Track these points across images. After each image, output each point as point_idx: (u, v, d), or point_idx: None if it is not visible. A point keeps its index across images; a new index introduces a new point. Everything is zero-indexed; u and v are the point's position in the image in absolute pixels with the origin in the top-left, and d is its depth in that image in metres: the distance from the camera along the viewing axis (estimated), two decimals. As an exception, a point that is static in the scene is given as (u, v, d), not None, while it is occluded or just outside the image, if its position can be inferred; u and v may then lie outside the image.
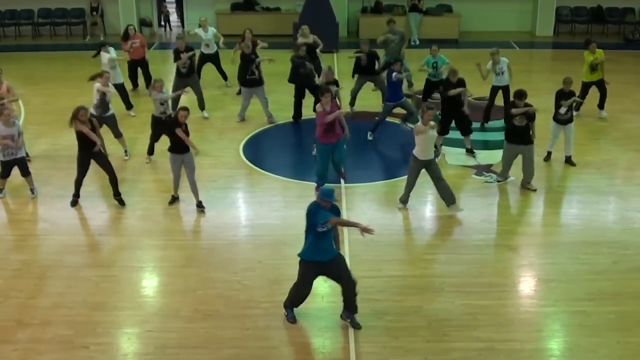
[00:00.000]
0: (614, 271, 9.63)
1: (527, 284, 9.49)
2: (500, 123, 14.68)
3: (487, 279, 9.46)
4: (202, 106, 15.38)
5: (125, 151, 13.22)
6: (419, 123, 10.83)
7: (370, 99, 16.24)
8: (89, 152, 11.06)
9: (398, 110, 14.11)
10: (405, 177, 11.37)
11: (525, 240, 10.58)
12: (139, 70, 16.93)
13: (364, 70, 15.38)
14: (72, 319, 8.59)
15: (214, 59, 17.42)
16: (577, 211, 11.51)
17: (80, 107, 10.96)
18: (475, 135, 12.63)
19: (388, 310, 8.74)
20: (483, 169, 12.89)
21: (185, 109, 10.98)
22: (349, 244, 10.24)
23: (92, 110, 12.42)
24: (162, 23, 25.60)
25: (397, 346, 8.09)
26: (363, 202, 11.68)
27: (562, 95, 12.65)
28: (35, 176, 11.85)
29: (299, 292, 8.34)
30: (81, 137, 10.96)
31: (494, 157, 13.35)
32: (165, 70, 18.57)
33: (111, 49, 15.42)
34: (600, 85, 14.89)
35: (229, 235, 10.65)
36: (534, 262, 9.97)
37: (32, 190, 11.62)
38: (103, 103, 12.69)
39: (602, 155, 13.56)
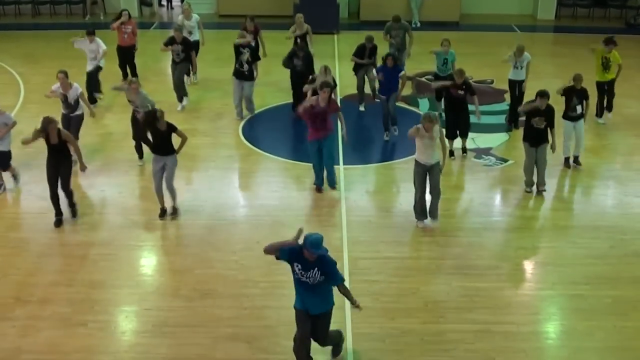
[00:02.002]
0: (612, 256, 9.66)
1: (524, 267, 9.52)
2: (500, 106, 14.65)
3: (484, 261, 9.48)
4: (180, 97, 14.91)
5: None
6: (415, 127, 9.92)
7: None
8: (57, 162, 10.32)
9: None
10: (403, 159, 11.32)
11: (523, 223, 10.59)
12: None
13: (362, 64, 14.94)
14: (70, 297, 8.63)
15: (195, 48, 16.23)
16: (576, 196, 11.53)
17: (50, 120, 10.06)
18: (475, 119, 12.56)
19: (385, 291, 8.77)
20: (482, 152, 12.88)
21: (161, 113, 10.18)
22: (346, 225, 10.25)
23: (62, 110, 12.04)
24: (163, 2, 25.46)
25: (394, 327, 8.13)
26: (361, 184, 11.68)
27: (573, 93, 11.97)
28: (34, 154, 11.81)
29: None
30: (53, 148, 10.24)
31: (493, 140, 13.35)
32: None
33: (97, 39, 14.83)
34: (611, 86, 14.21)
35: (228, 215, 10.66)
36: (531, 245, 9.99)
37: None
38: (69, 105, 11.98)
39: (601, 140, 13.55)
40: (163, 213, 10.55)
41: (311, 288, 6.97)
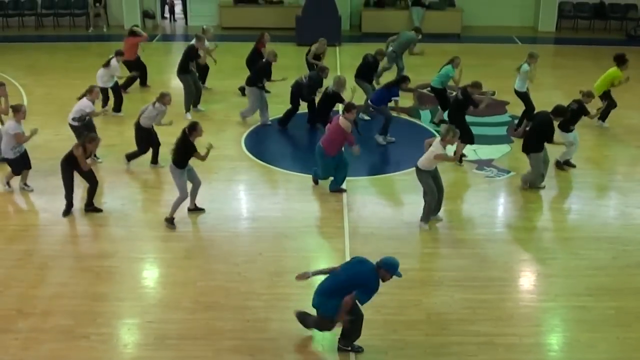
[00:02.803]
0: (614, 267, 9.65)
1: (527, 279, 9.51)
2: (502, 118, 14.68)
3: (486, 273, 9.48)
4: (187, 107, 15.10)
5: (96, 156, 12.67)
6: (440, 147, 10.17)
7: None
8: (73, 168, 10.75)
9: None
10: (406, 170, 11.33)
11: (526, 235, 10.59)
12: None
13: (365, 76, 15.18)
14: (73, 309, 8.63)
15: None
16: (578, 207, 11.52)
17: (94, 137, 10.76)
18: (475, 130, 12.60)
19: (387, 303, 8.76)
20: (484, 164, 12.89)
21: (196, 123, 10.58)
22: (349, 237, 10.26)
23: (69, 121, 12.26)
24: (166, 15, 25.57)
25: (396, 339, 8.12)
26: (364, 195, 11.69)
27: (582, 112, 12.41)
28: (37, 166, 11.86)
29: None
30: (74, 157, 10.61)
31: (495, 152, 13.37)
32: (168, 62, 18.56)
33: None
34: (608, 97, 14.24)
35: (230, 227, 10.67)
36: (534, 257, 9.99)
37: None
38: (82, 119, 12.19)
39: (602, 151, 13.56)
40: (196, 208, 11.00)
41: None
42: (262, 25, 22.06)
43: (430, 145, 10.34)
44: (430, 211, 10.57)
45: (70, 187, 10.80)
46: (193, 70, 14.99)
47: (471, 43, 21.89)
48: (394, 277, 7.46)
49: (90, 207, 10.96)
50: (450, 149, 10.82)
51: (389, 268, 7.39)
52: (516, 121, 14.42)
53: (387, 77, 15.89)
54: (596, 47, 20.91)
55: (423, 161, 10.33)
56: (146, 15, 23.89)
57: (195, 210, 10.98)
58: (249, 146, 13.64)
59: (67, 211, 10.88)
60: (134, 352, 7.99)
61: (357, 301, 7.44)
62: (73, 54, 20.09)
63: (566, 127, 12.23)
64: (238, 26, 22.11)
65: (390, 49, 16.59)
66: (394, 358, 7.85)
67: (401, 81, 13.42)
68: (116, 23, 23.08)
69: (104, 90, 14.56)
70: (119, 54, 14.67)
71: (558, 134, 11.89)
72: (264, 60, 14.76)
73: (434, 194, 10.42)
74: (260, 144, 13.83)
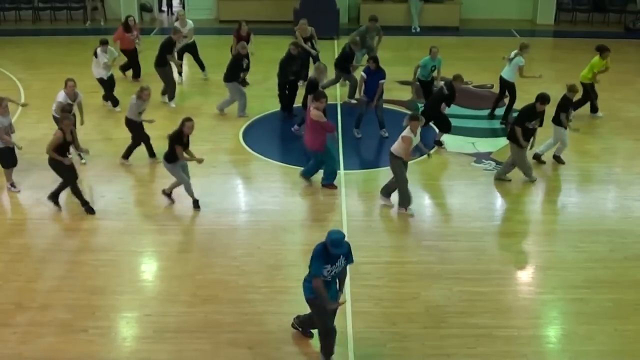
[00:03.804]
0: (612, 259, 9.66)
1: (525, 272, 9.52)
2: (499, 111, 14.65)
3: (485, 266, 9.49)
4: (171, 96, 15.31)
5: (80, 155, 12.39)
6: (409, 131, 10.37)
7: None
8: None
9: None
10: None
11: (524, 227, 10.60)
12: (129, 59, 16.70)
13: (342, 67, 15.23)
14: (71, 303, 8.63)
15: (192, 48, 17.04)
16: (576, 199, 11.52)
17: (64, 116, 10.61)
18: (475, 123, 12.60)
19: (386, 296, 8.77)
20: (482, 157, 12.89)
21: (190, 119, 10.54)
22: (347, 230, 10.26)
23: (53, 113, 12.23)
24: (163, 8, 25.51)
25: (395, 332, 8.13)
26: (361, 189, 11.68)
27: (570, 104, 12.23)
28: (34, 160, 11.85)
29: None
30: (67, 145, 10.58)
31: (493, 145, 13.37)
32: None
33: (110, 49, 14.86)
34: (593, 88, 14.37)
35: (228, 221, 10.67)
36: (532, 249, 10.00)
37: None
38: (63, 110, 11.91)
39: (601, 144, 13.56)
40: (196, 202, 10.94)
41: (333, 280, 7.25)
42: (260, 18, 22.10)
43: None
44: (407, 197, 10.66)
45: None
46: (173, 62, 15.09)
47: (470, 36, 21.86)
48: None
49: (54, 199, 10.84)
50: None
51: (329, 244, 6.98)
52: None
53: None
54: (595, 40, 20.84)
55: (395, 146, 10.51)
56: (143, 8, 23.80)
57: (168, 196, 11.01)
58: (247, 139, 13.63)
59: (85, 204, 10.78)
60: (132, 345, 7.99)
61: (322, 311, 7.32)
62: (70, 48, 20.02)
63: (558, 120, 12.19)
64: (236, 19, 21.99)
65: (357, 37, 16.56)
66: (393, 350, 7.86)
67: (369, 59, 13.38)
68: (113, 16, 22.98)
69: (101, 81, 14.56)
70: (102, 42, 14.60)
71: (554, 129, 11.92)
72: (233, 54, 14.80)
73: (404, 182, 10.58)
74: (258, 138, 13.81)
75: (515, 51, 14.08)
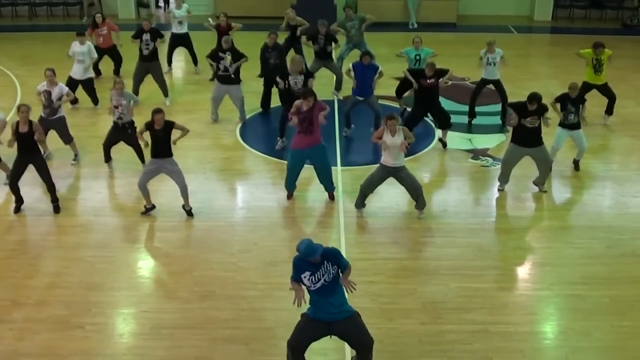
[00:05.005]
0: (609, 255, 9.67)
1: (521, 268, 9.52)
2: (497, 107, 14.64)
3: (482, 262, 9.49)
4: (165, 93, 15.11)
5: (76, 155, 12.35)
6: (380, 129, 10.08)
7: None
8: (30, 156, 10.46)
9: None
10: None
11: (521, 224, 10.61)
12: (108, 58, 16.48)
13: (319, 54, 14.96)
14: (67, 299, 8.62)
15: (185, 40, 16.90)
16: (573, 196, 11.53)
17: (20, 104, 10.36)
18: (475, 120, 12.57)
19: (383, 292, 8.78)
20: (480, 153, 12.89)
21: (160, 111, 10.12)
22: (344, 227, 10.26)
23: (41, 113, 12.00)
24: (160, 4, 25.45)
25: (392, 328, 8.13)
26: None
27: (568, 101, 11.75)
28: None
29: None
30: (22, 138, 10.32)
31: (491, 141, 13.37)
32: (161, 50, 18.41)
33: (88, 43, 14.84)
34: (605, 90, 14.12)
35: (225, 217, 10.66)
36: (528, 246, 10.01)
37: None
38: (50, 104, 11.92)
39: (598, 140, 13.56)
40: (147, 210, 10.61)
41: (329, 289, 6.77)
42: (257, 13, 22.10)
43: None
44: (362, 195, 10.48)
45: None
46: (144, 53, 14.86)
47: (467, 32, 21.85)
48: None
49: (52, 197, 10.73)
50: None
51: (303, 257, 6.71)
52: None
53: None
54: (592, 37, 20.86)
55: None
56: (140, 4, 23.77)
57: (149, 210, 10.71)
58: (244, 135, 13.61)
59: (54, 204, 10.73)
60: (129, 341, 7.99)
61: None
62: (67, 44, 19.77)
63: (559, 122, 11.99)
64: (233, 15, 21.93)
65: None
66: (390, 346, 7.86)
67: (363, 54, 13.27)
68: (110, 12, 22.92)
69: (71, 81, 14.49)
70: (78, 34, 14.66)
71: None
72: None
73: (371, 185, 10.40)
74: (255, 134, 13.80)
75: (484, 50, 13.72)
